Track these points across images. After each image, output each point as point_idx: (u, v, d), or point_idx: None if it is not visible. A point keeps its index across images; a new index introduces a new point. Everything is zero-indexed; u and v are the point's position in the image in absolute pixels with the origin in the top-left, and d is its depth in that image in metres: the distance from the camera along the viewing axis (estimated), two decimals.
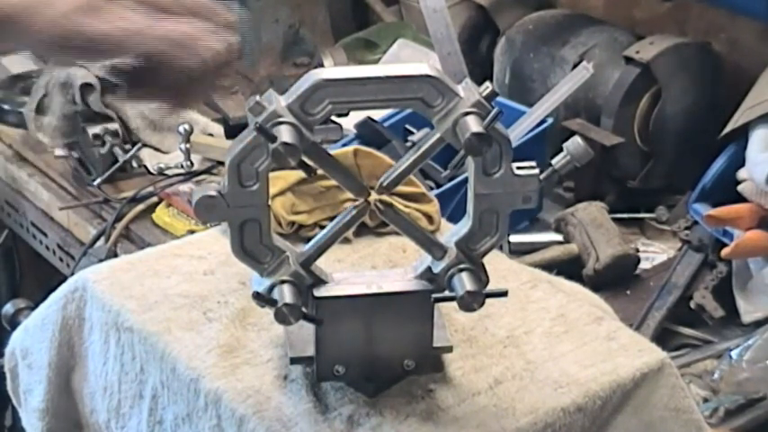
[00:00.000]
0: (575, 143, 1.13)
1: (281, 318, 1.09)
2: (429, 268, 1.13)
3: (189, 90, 1.09)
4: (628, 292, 1.89)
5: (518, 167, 1.09)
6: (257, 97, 1.06)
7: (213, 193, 1.08)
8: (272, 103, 1.05)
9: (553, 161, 1.13)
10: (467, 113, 1.05)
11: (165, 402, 1.24)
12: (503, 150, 1.08)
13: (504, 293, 1.12)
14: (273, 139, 1.03)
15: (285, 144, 1.02)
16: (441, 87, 1.06)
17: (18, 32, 1.04)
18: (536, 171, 1.10)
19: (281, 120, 1.04)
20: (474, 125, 1.04)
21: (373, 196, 1.12)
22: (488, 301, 1.11)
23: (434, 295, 1.13)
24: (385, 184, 1.10)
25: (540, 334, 1.24)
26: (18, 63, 2.56)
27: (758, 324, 1.77)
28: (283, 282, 1.10)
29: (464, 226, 1.12)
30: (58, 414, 1.38)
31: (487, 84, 1.07)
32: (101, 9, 1.03)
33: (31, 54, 1.07)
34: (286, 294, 1.09)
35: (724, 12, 2.17)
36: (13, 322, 1.77)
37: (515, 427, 1.11)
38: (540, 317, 1.26)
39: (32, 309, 1.48)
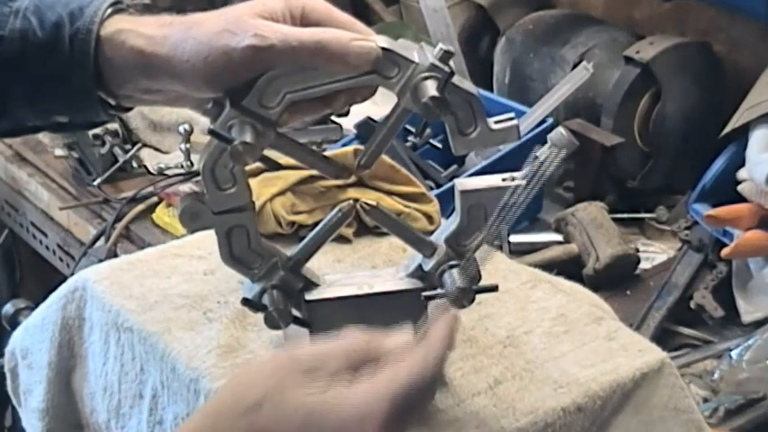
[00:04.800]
0: (557, 133, 1.13)
1: (270, 323, 1.09)
2: (420, 266, 1.13)
3: (337, 97, 1.08)
4: (628, 292, 1.89)
5: (495, 122, 1.07)
6: (210, 103, 1.06)
7: (195, 200, 1.07)
8: (227, 104, 1.05)
9: (538, 152, 1.12)
10: (424, 78, 1.04)
11: (165, 402, 1.24)
12: (473, 108, 1.06)
13: (494, 288, 1.11)
14: (228, 140, 1.03)
15: (243, 143, 1.02)
16: (394, 58, 1.04)
17: (167, 67, 1.04)
18: (515, 122, 1.08)
19: (237, 119, 1.03)
20: (431, 89, 1.03)
21: (355, 194, 1.12)
22: (488, 300, 1.11)
23: (425, 293, 1.12)
24: (362, 162, 1.10)
25: (540, 334, 1.24)
26: None
27: (758, 324, 1.77)
28: (273, 287, 1.10)
29: (452, 222, 1.12)
30: (58, 414, 1.38)
31: (441, 45, 1.05)
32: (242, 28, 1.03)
33: (181, 96, 1.07)
34: (275, 300, 1.09)
35: (724, 12, 2.17)
36: (13, 322, 1.77)
37: (515, 427, 1.11)
38: (540, 317, 1.26)
39: (32, 309, 1.48)
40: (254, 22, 1.03)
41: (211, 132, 1.03)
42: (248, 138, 1.02)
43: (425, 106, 1.02)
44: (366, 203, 1.13)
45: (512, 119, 1.08)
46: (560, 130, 1.13)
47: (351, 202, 1.13)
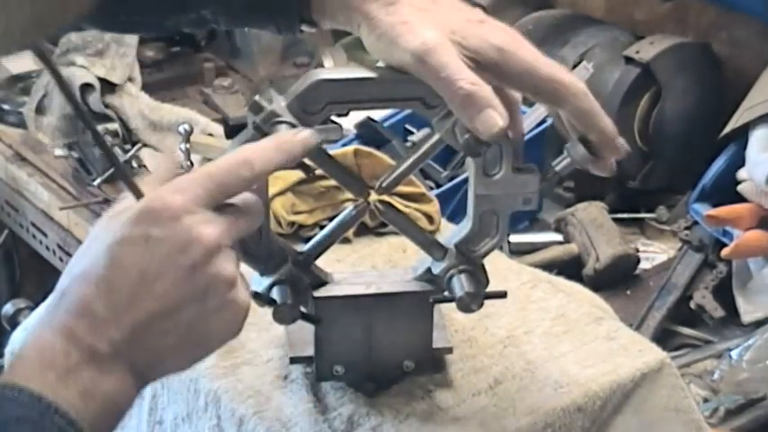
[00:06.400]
0: (576, 147, 1.13)
1: (279, 317, 1.09)
2: (429, 269, 1.13)
3: None
4: (628, 292, 1.89)
5: (518, 168, 1.09)
6: (257, 96, 1.06)
7: None
8: (271, 103, 1.05)
9: (554, 162, 1.13)
10: None
11: (164, 402, 1.24)
12: (503, 151, 1.08)
13: (503, 295, 1.12)
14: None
15: None
16: None
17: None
18: (536, 172, 1.10)
19: (279, 119, 1.04)
20: None
21: (373, 197, 1.12)
22: (488, 301, 1.11)
23: (433, 296, 1.13)
24: (384, 184, 1.10)
25: (540, 334, 1.24)
26: (18, 63, 2.56)
27: (758, 324, 1.77)
28: (282, 281, 1.10)
29: (464, 227, 1.12)
30: None
31: None
32: None
33: None
34: (285, 294, 1.09)
35: (724, 11, 2.17)
36: (13, 322, 1.77)
37: (515, 428, 1.11)
38: (540, 317, 1.26)
39: (32, 309, 1.48)
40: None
41: (256, 128, 1.03)
42: None
43: (467, 142, 1.03)
44: (381, 202, 1.13)
45: (533, 169, 1.09)
46: (579, 144, 1.13)
47: (364, 201, 1.13)
